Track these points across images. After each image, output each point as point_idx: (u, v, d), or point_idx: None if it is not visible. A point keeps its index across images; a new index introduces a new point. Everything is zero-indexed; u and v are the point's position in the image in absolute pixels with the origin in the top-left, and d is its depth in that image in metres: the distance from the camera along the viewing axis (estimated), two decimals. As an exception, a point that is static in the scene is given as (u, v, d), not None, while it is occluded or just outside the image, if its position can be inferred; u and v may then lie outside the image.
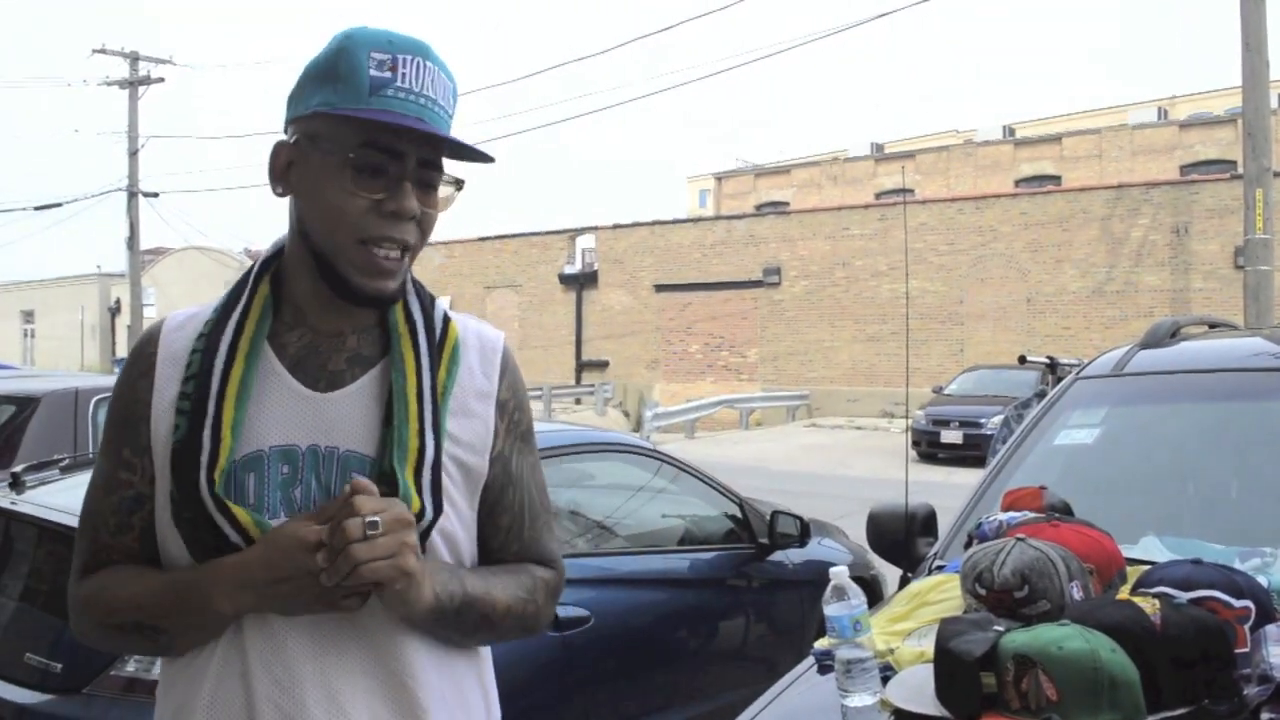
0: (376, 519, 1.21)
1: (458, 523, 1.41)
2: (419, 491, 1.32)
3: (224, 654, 1.32)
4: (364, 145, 1.29)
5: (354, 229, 1.31)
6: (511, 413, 1.48)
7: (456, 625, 1.37)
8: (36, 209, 31.69)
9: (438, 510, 1.34)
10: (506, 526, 1.47)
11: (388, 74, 1.28)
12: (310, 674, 1.29)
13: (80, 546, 1.44)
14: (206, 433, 1.30)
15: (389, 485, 1.29)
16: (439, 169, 1.35)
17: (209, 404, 1.31)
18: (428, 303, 1.46)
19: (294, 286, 1.40)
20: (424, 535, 1.33)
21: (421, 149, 1.32)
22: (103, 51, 29.53)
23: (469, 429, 1.41)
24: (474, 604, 1.37)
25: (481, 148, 1.36)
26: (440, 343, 1.42)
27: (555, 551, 1.54)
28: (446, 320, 1.46)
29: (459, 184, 1.39)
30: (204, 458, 1.29)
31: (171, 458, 1.33)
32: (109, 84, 30.10)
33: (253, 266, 1.44)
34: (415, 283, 1.48)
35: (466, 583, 1.36)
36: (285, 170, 1.37)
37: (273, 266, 1.43)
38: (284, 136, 1.38)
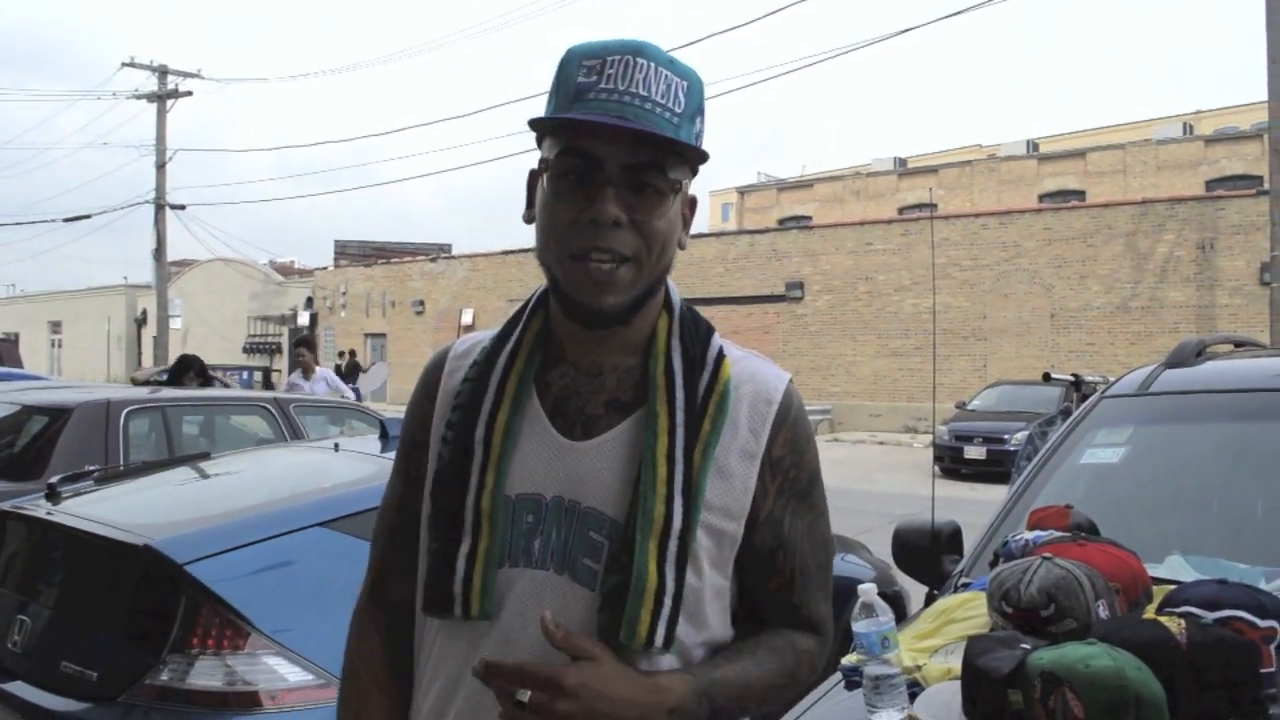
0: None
1: (706, 590, 1.31)
2: (660, 564, 1.23)
3: None
4: (562, 153, 1.24)
5: (562, 243, 1.25)
6: (786, 470, 1.35)
7: None
8: (65, 221, 32.10)
9: (680, 583, 1.25)
10: (775, 589, 1.37)
11: (593, 78, 1.22)
12: None
13: (370, 562, 1.47)
14: (475, 478, 1.28)
15: (629, 553, 1.23)
16: (653, 169, 1.23)
17: (476, 446, 1.29)
18: (695, 345, 1.34)
19: (554, 318, 1.36)
20: (669, 621, 1.25)
21: (627, 152, 1.22)
22: (132, 65, 29.89)
23: (725, 492, 1.30)
24: (720, 714, 1.27)
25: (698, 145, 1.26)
26: (708, 389, 1.31)
27: (823, 615, 1.42)
28: (719, 361, 1.34)
29: (675, 186, 1.26)
30: (469, 499, 1.28)
31: (432, 485, 1.33)
32: (138, 97, 30.46)
33: (531, 297, 1.40)
34: (686, 319, 1.38)
35: (716, 696, 1.26)
36: (532, 196, 1.33)
37: (548, 300, 1.37)
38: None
